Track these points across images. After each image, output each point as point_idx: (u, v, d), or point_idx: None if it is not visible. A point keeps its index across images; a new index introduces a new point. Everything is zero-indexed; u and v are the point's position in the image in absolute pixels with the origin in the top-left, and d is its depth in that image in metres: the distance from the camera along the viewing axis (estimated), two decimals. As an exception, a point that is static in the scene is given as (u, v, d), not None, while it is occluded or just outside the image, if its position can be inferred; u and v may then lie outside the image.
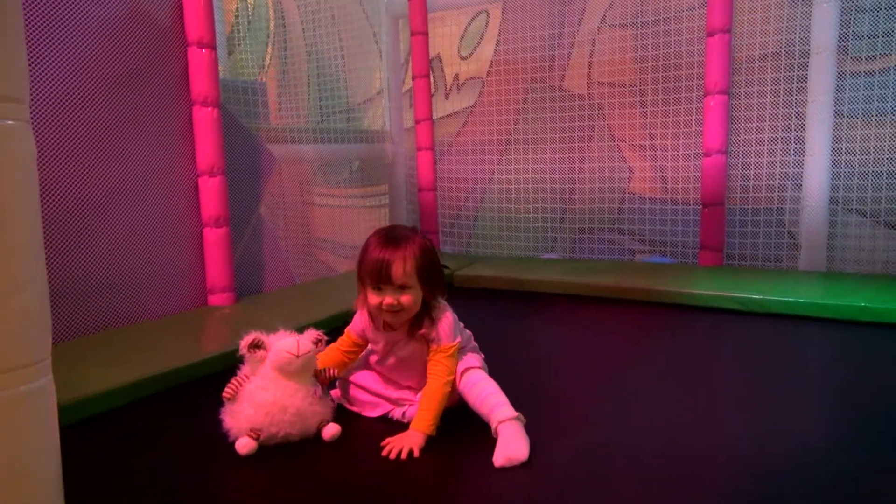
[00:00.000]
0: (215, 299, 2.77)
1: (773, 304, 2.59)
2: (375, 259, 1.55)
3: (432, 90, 4.03)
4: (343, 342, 1.76)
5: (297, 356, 1.51)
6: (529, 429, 1.49)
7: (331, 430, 1.56)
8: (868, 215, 3.11)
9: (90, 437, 1.65)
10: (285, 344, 1.53)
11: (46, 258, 2.16)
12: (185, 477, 1.43)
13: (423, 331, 1.61)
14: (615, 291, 2.96)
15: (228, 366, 2.11)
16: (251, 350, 1.54)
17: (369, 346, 1.75)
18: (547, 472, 1.37)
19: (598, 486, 1.32)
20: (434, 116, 4.02)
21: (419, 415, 1.54)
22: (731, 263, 3.38)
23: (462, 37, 4.24)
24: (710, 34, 3.14)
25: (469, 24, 4.21)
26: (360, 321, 1.72)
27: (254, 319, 2.54)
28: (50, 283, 2.18)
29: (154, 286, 2.59)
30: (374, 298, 1.58)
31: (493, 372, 1.68)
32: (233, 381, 1.54)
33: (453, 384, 1.60)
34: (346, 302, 1.88)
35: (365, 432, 1.61)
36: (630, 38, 3.64)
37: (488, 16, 4.12)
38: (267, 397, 1.50)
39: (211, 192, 2.71)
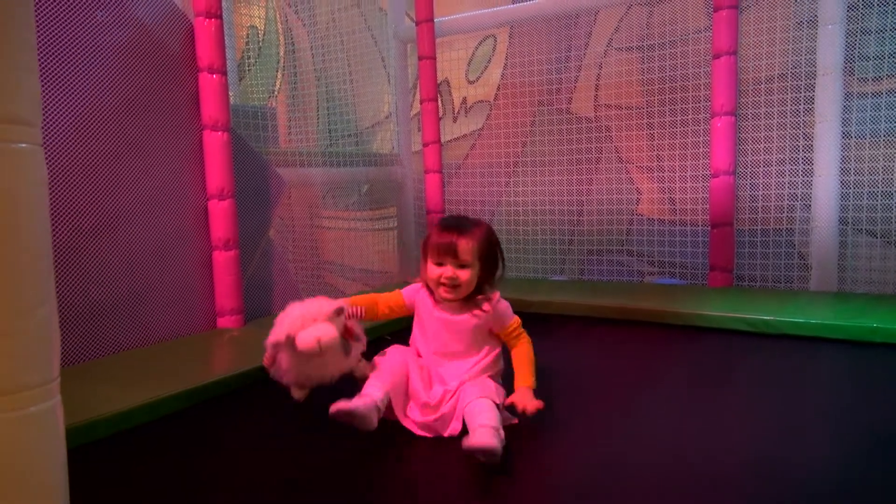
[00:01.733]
0: (224, 322, 2.77)
1: (783, 326, 2.57)
2: (443, 235, 1.70)
3: (440, 113, 4.06)
4: (389, 298, 1.86)
5: (321, 349, 1.61)
6: (541, 447, 1.50)
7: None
8: (878, 235, 3.10)
9: (103, 457, 1.65)
10: (306, 338, 1.61)
11: (60, 282, 2.19)
12: (196, 498, 1.43)
13: (480, 303, 1.75)
14: (624, 313, 2.95)
15: (237, 387, 2.13)
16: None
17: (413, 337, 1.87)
18: (558, 491, 1.36)
19: (608, 509, 1.30)
20: (442, 140, 4.04)
21: (520, 374, 1.72)
22: (741, 284, 3.36)
23: (470, 61, 4.28)
24: (716, 56, 3.16)
25: (476, 48, 4.25)
26: (416, 290, 1.84)
27: (262, 342, 2.56)
28: (62, 307, 2.21)
29: (164, 309, 2.60)
30: (434, 271, 1.72)
31: (502, 393, 1.69)
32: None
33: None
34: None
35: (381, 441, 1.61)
36: (636, 61, 3.66)
37: (496, 40, 4.17)
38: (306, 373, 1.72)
39: (220, 216, 2.72)
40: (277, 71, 4.78)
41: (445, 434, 1.65)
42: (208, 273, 2.76)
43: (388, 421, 1.72)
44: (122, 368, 2.24)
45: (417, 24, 3.88)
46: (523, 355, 1.76)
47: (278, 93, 4.76)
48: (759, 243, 3.34)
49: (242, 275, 2.85)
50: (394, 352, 1.80)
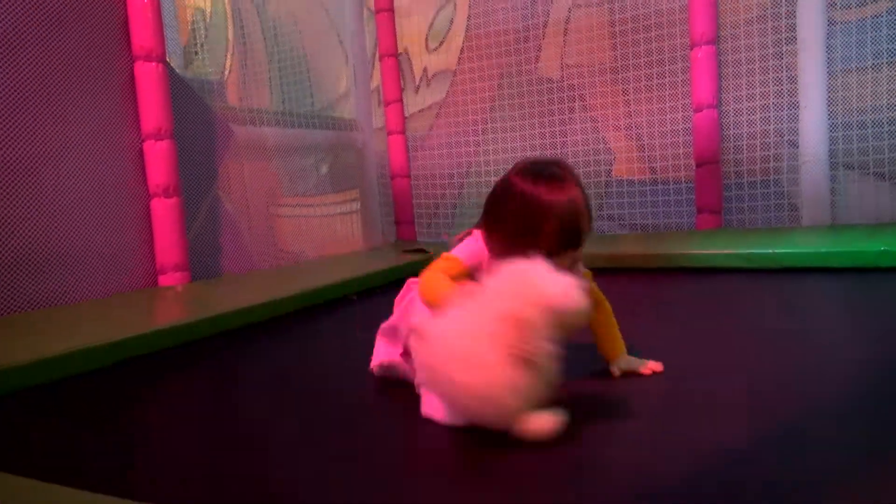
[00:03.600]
0: (166, 280, 2.45)
1: (783, 258, 2.36)
2: (566, 221, 1.22)
3: (401, 86, 3.79)
4: (452, 270, 1.32)
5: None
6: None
7: None
8: (865, 167, 2.93)
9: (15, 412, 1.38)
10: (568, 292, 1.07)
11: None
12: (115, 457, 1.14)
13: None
14: (612, 260, 2.71)
15: (172, 344, 1.79)
16: None
17: None
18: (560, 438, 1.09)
19: (617, 448, 1.07)
20: (406, 113, 3.78)
21: (615, 341, 1.44)
22: (730, 227, 3.16)
23: (430, 26, 4.05)
24: (693, -17, 2.99)
25: (436, 15, 4.03)
26: (479, 252, 1.34)
27: (208, 300, 2.22)
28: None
29: (96, 263, 2.28)
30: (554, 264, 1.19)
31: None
32: None
33: None
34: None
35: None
36: (607, 12, 3.46)
37: (455, 5, 3.94)
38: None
39: (158, 158, 2.41)
40: (227, 53, 4.50)
41: None
42: (147, 224, 2.44)
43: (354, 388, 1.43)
44: (40, 322, 1.92)
45: (372, -25, 3.66)
46: (610, 319, 1.44)
47: (229, 75, 4.47)
48: (745, 185, 3.15)
49: (187, 230, 2.54)
50: None
